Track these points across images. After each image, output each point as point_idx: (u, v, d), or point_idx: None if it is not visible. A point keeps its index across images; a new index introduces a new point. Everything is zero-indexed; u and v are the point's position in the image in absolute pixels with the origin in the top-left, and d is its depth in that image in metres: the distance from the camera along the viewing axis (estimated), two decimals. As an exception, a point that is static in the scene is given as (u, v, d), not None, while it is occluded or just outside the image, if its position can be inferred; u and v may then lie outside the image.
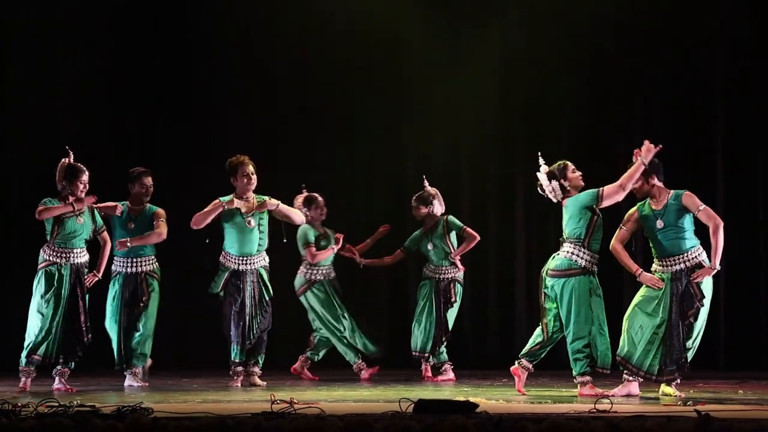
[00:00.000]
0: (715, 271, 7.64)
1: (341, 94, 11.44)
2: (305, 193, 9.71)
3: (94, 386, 8.86)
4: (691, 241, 7.70)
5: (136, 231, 8.98)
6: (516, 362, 7.99)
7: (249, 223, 8.89)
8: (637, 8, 10.92)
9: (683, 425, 5.24)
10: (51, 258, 8.51)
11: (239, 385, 8.85)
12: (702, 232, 7.73)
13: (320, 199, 9.68)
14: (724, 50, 10.78)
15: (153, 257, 9.12)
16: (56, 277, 8.50)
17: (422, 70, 11.32)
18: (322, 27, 11.29)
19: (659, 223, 7.68)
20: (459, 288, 9.69)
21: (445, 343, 9.61)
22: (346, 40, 11.29)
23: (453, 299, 9.62)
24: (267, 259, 9.04)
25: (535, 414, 5.90)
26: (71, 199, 8.52)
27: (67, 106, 11.11)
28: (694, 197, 7.69)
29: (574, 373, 7.82)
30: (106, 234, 8.85)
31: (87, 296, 8.64)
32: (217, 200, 8.94)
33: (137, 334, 9.00)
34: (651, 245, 7.81)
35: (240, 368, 8.89)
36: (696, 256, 7.66)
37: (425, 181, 9.72)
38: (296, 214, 9.16)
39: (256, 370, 8.96)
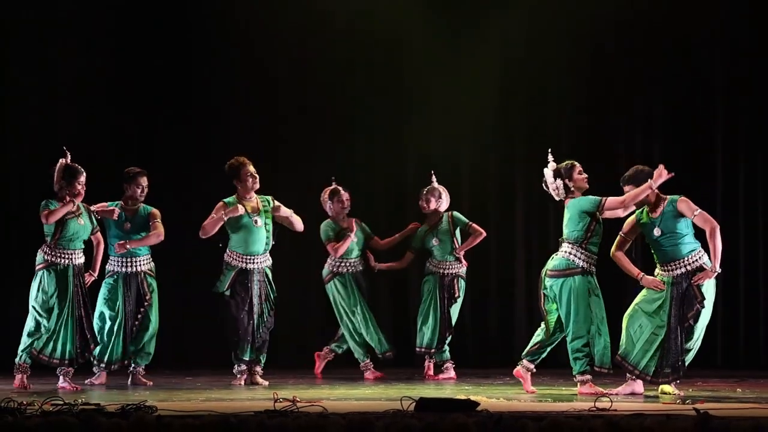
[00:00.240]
0: (716, 273, 7.66)
1: (341, 94, 11.44)
2: (334, 185, 9.74)
3: (98, 384, 8.90)
4: (690, 245, 7.70)
5: (132, 231, 9.00)
6: (518, 364, 8.00)
7: (256, 222, 8.92)
8: (637, 8, 10.93)
9: (682, 423, 5.25)
10: (52, 259, 8.52)
11: (242, 383, 8.88)
12: (702, 234, 7.75)
13: (344, 193, 9.68)
14: (724, 50, 10.79)
15: (149, 256, 9.14)
16: (60, 277, 8.52)
17: (422, 70, 11.31)
18: (322, 27, 11.27)
19: (657, 231, 7.69)
20: (462, 283, 9.69)
21: (449, 339, 9.62)
22: (346, 40, 11.28)
23: (456, 294, 9.63)
24: (271, 259, 9.07)
25: (535, 412, 5.92)
26: (67, 198, 8.55)
27: (67, 106, 11.10)
28: (689, 202, 7.69)
29: (573, 372, 7.84)
30: (99, 234, 8.87)
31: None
32: (221, 203, 8.96)
33: (146, 334, 9.05)
34: (652, 251, 7.82)
35: (244, 367, 8.93)
36: (697, 260, 7.67)
37: (433, 177, 9.74)
38: (297, 223, 9.16)
39: (258, 369, 8.99)
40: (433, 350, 9.59)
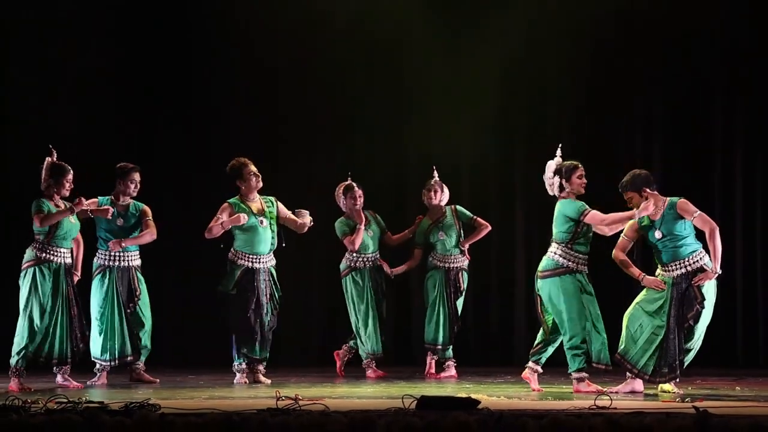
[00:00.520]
0: (716, 275, 7.67)
1: (341, 94, 11.44)
2: (349, 181, 9.77)
3: (100, 384, 8.91)
4: (691, 246, 7.71)
5: (125, 226, 9.02)
6: (525, 366, 8.07)
7: (261, 222, 8.95)
8: (637, 8, 10.93)
9: (682, 421, 5.27)
10: (45, 256, 8.52)
11: (245, 381, 8.90)
12: (702, 235, 7.76)
13: (357, 189, 9.71)
14: (724, 50, 10.79)
15: (138, 252, 9.15)
16: (54, 276, 8.53)
17: (422, 70, 11.31)
18: (322, 27, 11.27)
19: (658, 234, 7.71)
20: (466, 276, 9.75)
21: (456, 331, 9.65)
22: (346, 40, 11.28)
23: (462, 288, 9.68)
24: (275, 259, 9.11)
25: (535, 410, 5.96)
26: (60, 201, 8.57)
27: (67, 106, 11.09)
28: (689, 204, 7.70)
29: (569, 369, 7.88)
30: (79, 234, 8.87)
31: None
32: (226, 203, 8.98)
33: (142, 330, 9.07)
34: (653, 253, 7.82)
35: (244, 364, 8.97)
36: (697, 260, 7.68)
37: (435, 171, 9.77)
38: (302, 227, 9.18)
39: (261, 367, 9.03)
40: (440, 347, 9.61)
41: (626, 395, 7.54)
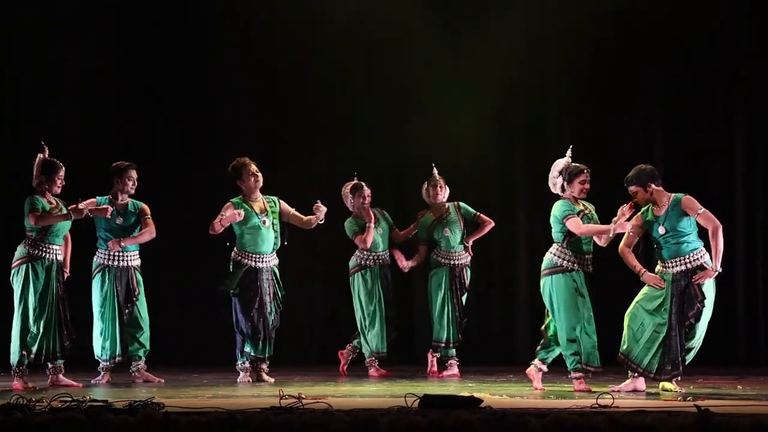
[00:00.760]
0: (717, 273, 7.68)
1: (341, 94, 11.44)
2: (355, 181, 9.80)
3: (105, 383, 8.94)
4: (693, 243, 7.74)
5: (124, 225, 9.03)
6: (530, 364, 8.13)
7: (264, 222, 8.98)
8: (637, 8, 10.92)
9: (683, 420, 5.27)
10: (39, 253, 8.53)
11: (249, 380, 8.92)
12: (703, 233, 7.76)
13: (366, 189, 9.75)
14: (724, 50, 10.79)
15: (137, 252, 9.16)
16: (47, 273, 8.54)
17: (422, 69, 11.31)
18: (322, 27, 11.27)
19: (661, 229, 7.73)
20: (469, 272, 9.80)
21: (464, 326, 9.69)
22: (346, 40, 11.28)
23: (467, 284, 9.74)
24: (278, 258, 9.14)
25: (537, 409, 5.97)
26: (53, 198, 8.61)
27: (66, 106, 11.11)
28: (694, 201, 7.73)
29: (568, 368, 7.94)
30: (68, 233, 8.87)
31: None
32: (229, 203, 8.98)
33: (141, 330, 9.10)
34: (655, 248, 7.83)
35: (248, 363, 9.00)
36: (698, 258, 7.70)
37: (434, 169, 9.79)
38: (307, 223, 9.21)
39: (264, 366, 9.06)
40: (451, 344, 9.64)
41: (628, 394, 7.54)
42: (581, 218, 7.92)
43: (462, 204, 9.81)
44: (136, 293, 9.04)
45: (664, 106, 10.99)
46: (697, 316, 7.68)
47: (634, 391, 7.69)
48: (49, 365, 8.61)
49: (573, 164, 8.02)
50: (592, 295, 8.00)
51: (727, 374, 9.19)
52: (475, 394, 6.41)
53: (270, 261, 9.05)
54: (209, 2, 11.54)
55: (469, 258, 9.79)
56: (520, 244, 11.24)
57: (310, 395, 6.73)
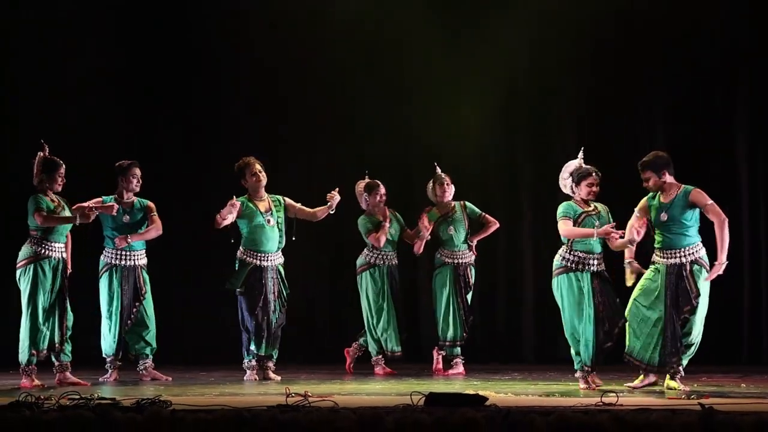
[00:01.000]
0: (723, 265, 7.70)
1: (341, 94, 11.44)
2: (367, 179, 9.78)
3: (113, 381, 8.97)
4: (692, 237, 7.79)
5: (131, 222, 9.07)
6: None
7: (269, 221, 8.99)
8: (637, 8, 10.93)
9: (687, 418, 5.29)
10: (44, 251, 8.52)
11: (255, 378, 8.95)
12: (705, 229, 7.77)
13: (381, 187, 9.75)
14: (724, 50, 10.79)
15: (144, 251, 9.19)
16: (53, 271, 8.54)
17: (422, 69, 11.31)
18: (322, 27, 11.28)
19: (663, 216, 7.78)
20: (473, 271, 9.81)
21: (471, 324, 9.72)
22: (346, 40, 11.28)
23: (471, 282, 9.76)
24: (283, 257, 9.16)
25: (542, 407, 5.98)
26: (54, 196, 8.62)
27: (67, 106, 11.10)
28: (703, 194, 7.82)
29: (574, 367, 8.00)
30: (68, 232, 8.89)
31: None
32: (233, 199, 8.98)
33: (147, 328, 9.13)
34: (654, 234, 7.86)
35: (254, 362, 9.02)
36: (693, 252, 7.77)
37: (437, 167, 9.81)
38: (313, 216, 9.25)
39: (270, 364, 9.09)
40: (458, 342, 9.64)
41: (629, 392, 7.58)
42: (586, 219, 7.93)
43: (468, 204, 9.83)
44: (143, 292, 9.07)
45: (664, 106, 11.00)
46: (693, 311, 7.73)
47: (649, 384, 7.78)
48: (56, 363, 8.60)
49: (584, 166, 8.06)
50: (610, 294, 7.99)
51: (731, 372, 9.21)
52: (481, 392, 6.43)
53: (275, 260, 9.06)
54: (209, 2, 11.54)
55: (473, 257, 9.80)
56: (525, 243, 11.23)
57: (316, 393, 6.74)
